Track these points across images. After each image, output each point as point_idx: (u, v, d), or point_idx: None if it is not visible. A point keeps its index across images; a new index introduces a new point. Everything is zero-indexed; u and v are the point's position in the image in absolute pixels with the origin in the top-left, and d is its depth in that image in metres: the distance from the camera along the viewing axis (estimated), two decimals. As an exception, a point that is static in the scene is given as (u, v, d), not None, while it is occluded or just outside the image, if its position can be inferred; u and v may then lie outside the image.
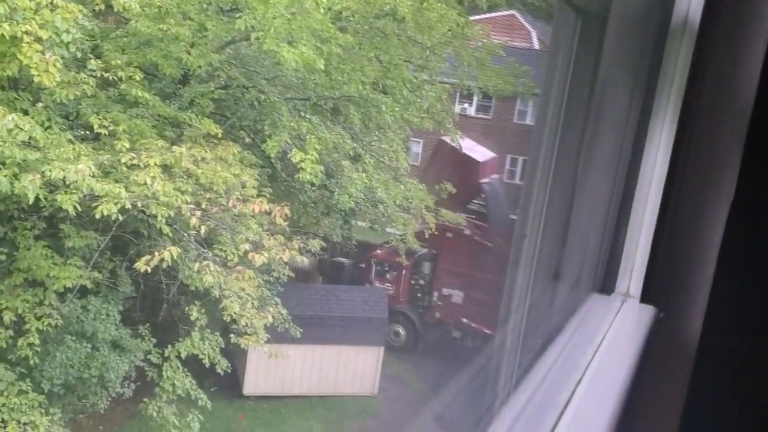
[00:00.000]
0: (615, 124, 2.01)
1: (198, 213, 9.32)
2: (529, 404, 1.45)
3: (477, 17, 18.74)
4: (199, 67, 10.70)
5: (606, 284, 2.07)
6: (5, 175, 7.92)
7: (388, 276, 20.19)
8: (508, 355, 1.89)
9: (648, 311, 1.96)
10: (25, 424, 9.69)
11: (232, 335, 10.76)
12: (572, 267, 2.10)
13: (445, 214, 18.11)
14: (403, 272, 19.85)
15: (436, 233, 18.04)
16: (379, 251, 20.02)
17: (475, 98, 24.48)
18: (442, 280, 20.26)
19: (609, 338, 1.72)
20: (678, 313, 1.96)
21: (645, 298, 2.02)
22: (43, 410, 9.93)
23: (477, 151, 21.32)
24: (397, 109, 14.65)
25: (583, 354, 1.60)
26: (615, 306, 1.97)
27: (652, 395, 1.91)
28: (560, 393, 1.42)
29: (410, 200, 15.56)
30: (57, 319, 10.11)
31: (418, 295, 20.46)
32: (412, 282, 20.29)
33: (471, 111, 25.67)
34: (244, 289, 9.71)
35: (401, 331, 19.87)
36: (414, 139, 25.11)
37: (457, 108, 23.85)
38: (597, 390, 1.47)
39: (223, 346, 11.44)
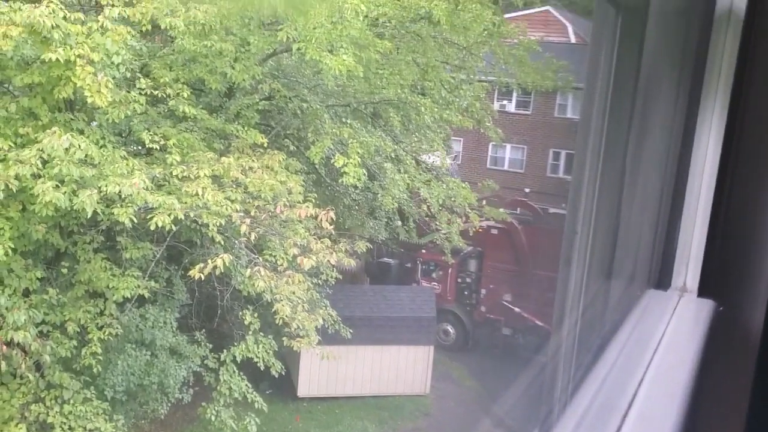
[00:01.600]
0: (662, 117, 1.97)
1: (247, 220, 9.59)
2: (590, 410, 1.42)
3: (512, 15, 18.78)
4: (243, 80, 11.00)
5: (662, 279, 2.00)
6: (64, 192, 8.26)
7: (434, 275, 20.34)
8: (564, 359, 1.85)
9: (707, 305, 1.87)
10: (90, 430, 10.08)
11: (284, 338, 11.02)
12: (626, 263, 2.05)
13: (488, 210, 18.18)
14: (450, 271, 19.96)
15: (481, 230, 18.12)
16: (424, 251, 20.18)
17: (514, 95, 24.48)
18: (489, 277, 20.31)
19: (668, 336, 1.67)
20: (738, 306, 1.86)
21: (703, 292, 1.94)
22: (107, 417, 10.31)
23: None
24: (436, 110, 14.80)
25: (643, 353, 1.57)
26: (672, 301, 1.90)
27: (717, 393, 1.83)
28: (621, 396, 1.38)
29: (453, 199, 15.67)
30: (117, 328, 10.45)
31: (466, 293, 20.54)
32: (459, 280, 20.39)
33: (511, 107, 25.67)
34: (294, 293, 9.95)
35: (450, 329, 19.98)
36: (455, 138, 25.24)
37: (497, 105, 23.87)
38: (660, 391, 1.42)
39: (276, 349, 11.70)
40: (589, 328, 1.90)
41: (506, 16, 16.50)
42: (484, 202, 17.90)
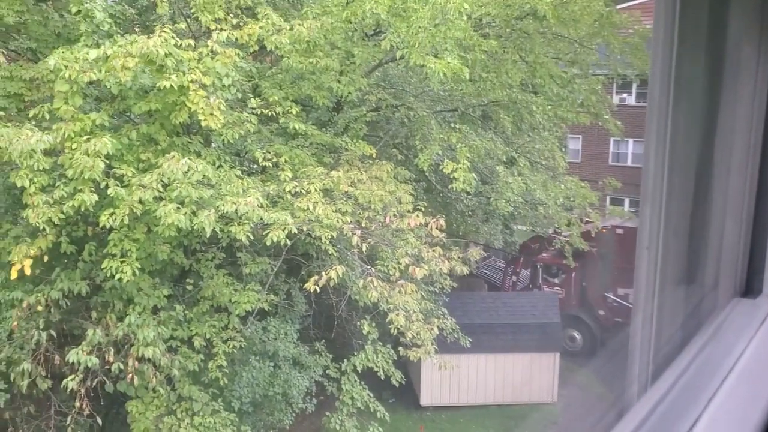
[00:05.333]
0: (739, 101, 1.71)
1: (358, 232, 9.64)
2: (655, 412, 1.29)
3: (625, 5, 17.96)
4: (350, 93, 11.09)
5: (750, 286, 1.78)
6: (184, 213, 8.62)
7: (556, 279, 19.67)
8: (639, 364, 1.74)
9: None
10: (220, 441, 10.46)
11: (400, 348, 10.99)
12: (707, 270, 1.84)
13: (612, 210, 17.44)
14: (573, 274, 19.23)
15: (604, 230, 17.40)
16: (544, 254, 19.57)
17: (633, 87, 23.33)
18: (616, 279, 19.39)
19: (751, 349, 1.47)
20: None
21: None
22: (235, 428, 10.61)
23: None
24: (549, 107, 14.35)
25: (717, 368, 1.40)
26: (762, 310, 1.69)
27: None
28: (688, 410, 1.25)
29: (572, 199, 15.11)
30: (241, 341, 10.79)
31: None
32: (584, 284, 19.61)
33: (631, 100, 24.49)
34: (408, 303, 9.89)
35: (577, 335, 19.24)
36: (573, 135, 24.39)
37: (616, 99, 22.84)
38: (737, 401, 1.28)
39: (395, 358, 11.69)
40: (663, 338, 1.70)
41: (619, 6, 15.78)
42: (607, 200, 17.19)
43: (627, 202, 23.94)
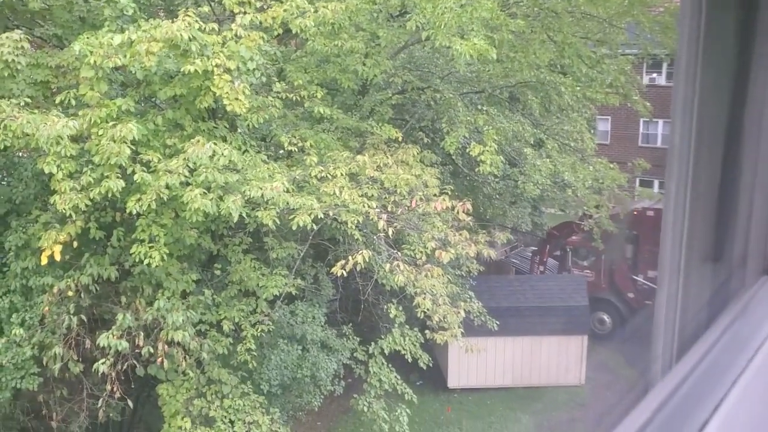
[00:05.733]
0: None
1: (384, 216, 9.58)
2: (675, 395, 1.25)
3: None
4: (375, 75, 10.98)
5: None
6: (211, 198, 8.60)
7: (585, 262, 19.48)
8: (663, 342, 1.73)
9: None
10: (249, 423, 10.46)
11: (427, 331, 10.96)
12: (735, 246, 1.79)
13: (641, 191, 17.20)
14: (602, 257, 19.02)
15: (635, 212, 17.18)
16: (573, 237, 19.37)
17: (664, 66, 22.87)
18: (646, 262, 19.15)
19: None
20: None
21: None
22: (264, 410, 10.68)
23: None
24: (578, 88, 14.12)
25: (744, 347, 1.35)
26: None
27: None
28: (714, 389, 1.22)
29: (601, 181, 14.90)
30: (269, 324, 10.80)
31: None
32: (613, 267, 19.39)
33: (661, 80, 24.02)
34: (434, 286, 9.85)
35: (606, 318, 19.09)
36: (602, 116, 24.01)
37: (646, 79, 22.42)
38: (759, 388, 1.24)
39: (422, 341, 11.68)
40: (687, 317, 1.68)
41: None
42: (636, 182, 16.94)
43: (656, 183, 23.59)
